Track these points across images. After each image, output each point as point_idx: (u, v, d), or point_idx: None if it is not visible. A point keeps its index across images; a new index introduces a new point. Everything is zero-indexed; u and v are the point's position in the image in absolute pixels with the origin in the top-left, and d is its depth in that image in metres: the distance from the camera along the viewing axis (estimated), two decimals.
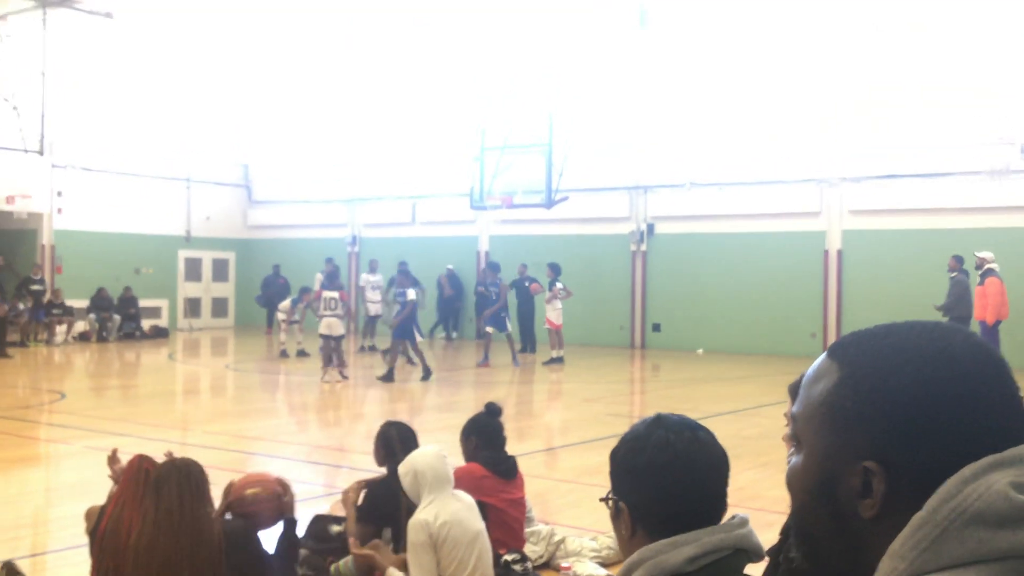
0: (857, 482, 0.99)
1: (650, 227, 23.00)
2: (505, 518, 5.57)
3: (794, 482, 1.07)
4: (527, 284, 20.74)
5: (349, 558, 5.15)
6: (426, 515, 4.56)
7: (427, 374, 16.09)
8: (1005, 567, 0.89)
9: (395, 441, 5.42)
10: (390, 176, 26.77)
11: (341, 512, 6.08)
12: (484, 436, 5.69)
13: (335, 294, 16.29)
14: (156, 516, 3.91)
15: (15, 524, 7.11)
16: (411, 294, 16.38)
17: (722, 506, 1.70)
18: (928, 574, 0.91)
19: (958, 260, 16.27)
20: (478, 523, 4.72)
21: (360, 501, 5.50)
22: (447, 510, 4.60)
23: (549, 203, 21.57)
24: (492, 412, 5.78)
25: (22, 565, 5.52)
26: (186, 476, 4.00)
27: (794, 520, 1.09)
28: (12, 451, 10.30)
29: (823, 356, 1.08)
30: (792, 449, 1.11)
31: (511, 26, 24.39)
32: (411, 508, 5.25)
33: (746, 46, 21.84)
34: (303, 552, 5.52)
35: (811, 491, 1.04)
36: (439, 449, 4.86)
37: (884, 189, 20.14)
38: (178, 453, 4.38)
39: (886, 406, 0.98)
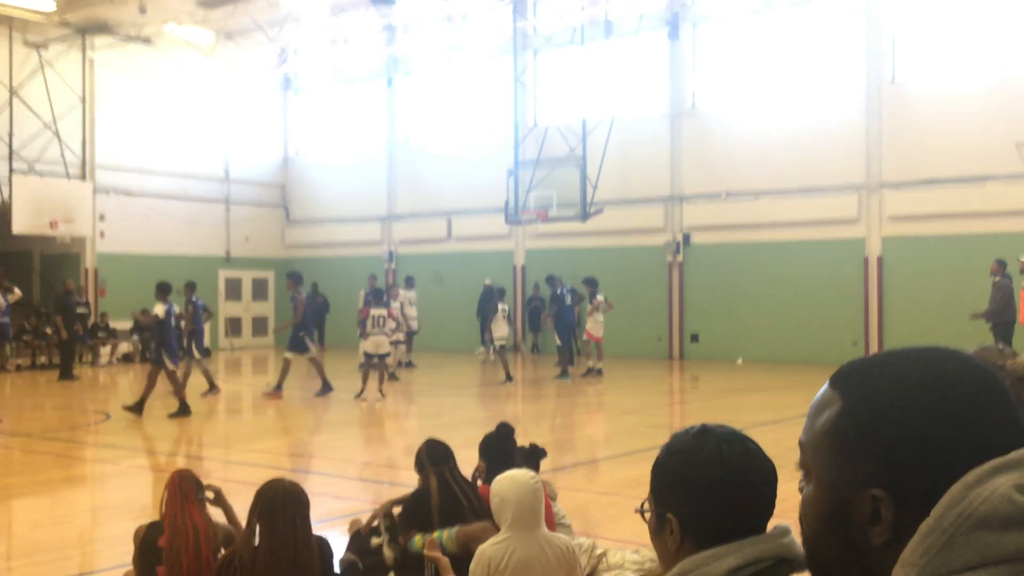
0: (867, 510, 1.01)
1: (686, 237, 22.90)
2: None
3: (806, 512, 1.10)
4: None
5: (453, 529, 5.20)
6: (494, 552, 4.20)
7: (183, 410, 13.78)
8: (1012, 569, 0.90)
9: (423, 456, 5.61)
10: (425, 193, 26.90)
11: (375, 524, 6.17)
12: (493, 459, 5.71)
13: (383, 311, 16.18)
14: (272, 542, 4.12)
15: (62, 544, 7.21)
16: (158, 309, 14.00)
17: (770, 516, 1.70)
18: None
19: (1001, 264, 16.02)
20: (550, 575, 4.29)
21: (400, 509, 5.68)
22: (519, 555, 4.18)
23: (584, 216, 21.56)
24: (501, 434, 5.83)
25: None
26: (295, 501, 4.22)
27: (807, 549, 1.10)
28: (59, 472, 10.45)
29: (825, 386, 1.11)
30: (802, 478, 1.12)
31: (545, 41, 24.47)
32: (444, 518, 5.31)
33: (780, 52, 21.73)
34: (348, 557, 5.64)
35: (823, 520, 1.07)
36: (536, 481, 4.30)
37: (923, 194, 19.91)
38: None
39: (887, 435, 1.01)
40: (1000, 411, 1.02)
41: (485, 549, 4.22)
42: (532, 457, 6.30)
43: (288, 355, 16.24)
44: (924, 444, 1.00)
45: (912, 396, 1.02)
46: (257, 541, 4.16)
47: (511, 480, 4.25)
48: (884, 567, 1.00)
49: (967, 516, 0.92)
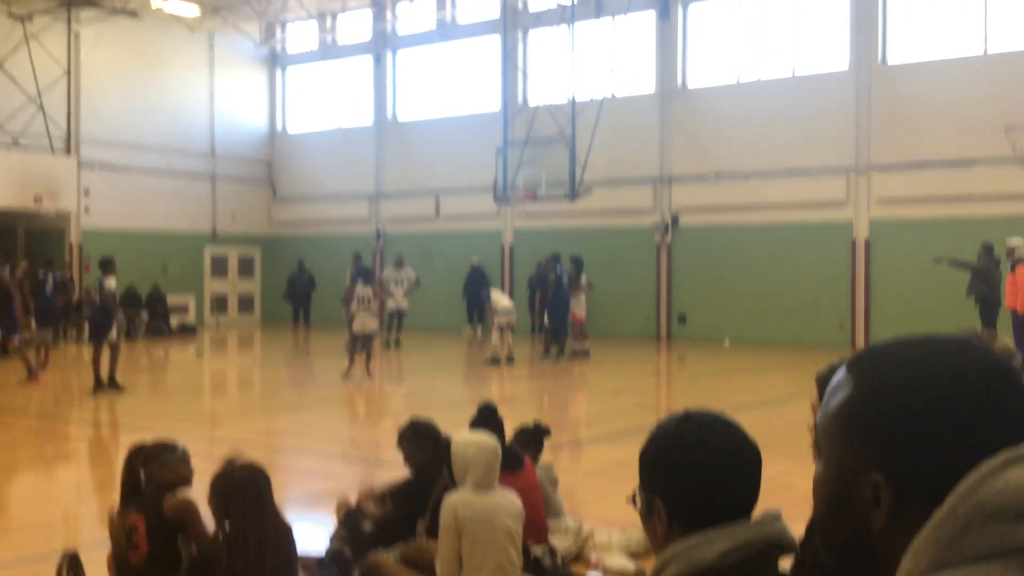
0: (868, 494, 1.03)
1: (675, 219, 22.89)
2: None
3: (816, 491, 1.12)
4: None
5: (396, 552, 5.20)
6: (457, 500, 4.62)
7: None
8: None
9: (407, 439, 5.66)
10: (413, 171, 26.80)
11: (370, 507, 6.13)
12: None
13: (369, 291, 16.16)
14: (246, 531, 4.03)
15: (46, 520, 7.19)
16: (111, 284, 13.22)
17: (756, 500, 1.69)
18: (949, 568, 0.93)
19: (987, 248, 16.07)
20: (509, 520, 4.70)
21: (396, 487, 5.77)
22: (481, 501, 4.62)
23: (573, 196, 21.51)
24: (484, 414, 5.82)
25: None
26: (255, 484, 4.11)
27: (818, 527, 1.12)
28: (44, 448, 10.41)
29: (842, 368, 1.12)
30: (816, 457, 1.15)
31: (535, 19, 24.34)
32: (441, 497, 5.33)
33: (770, 33, 21.68)
34: (335, 549, 5.58)
35: (829, 499, 1.09)
36: (497, 447, 4.79)
37: (912, 177, 19.94)
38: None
39: (892, 423, 1.02)
40: (1009, 405, 1.01)
41: (451, 498, 4.63)
42: (536, 436, 6.29)
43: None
44: (927, 433, 1.00)
45: (919, 385, 1.02)
46: (226, 532, 4.05)
47: (477, 446, 4.68)
48: (887, 550, 1.02)
49: (982, 506, 0.93)
